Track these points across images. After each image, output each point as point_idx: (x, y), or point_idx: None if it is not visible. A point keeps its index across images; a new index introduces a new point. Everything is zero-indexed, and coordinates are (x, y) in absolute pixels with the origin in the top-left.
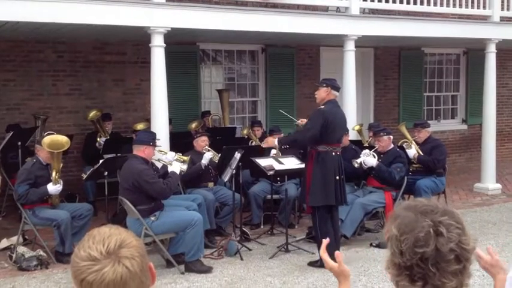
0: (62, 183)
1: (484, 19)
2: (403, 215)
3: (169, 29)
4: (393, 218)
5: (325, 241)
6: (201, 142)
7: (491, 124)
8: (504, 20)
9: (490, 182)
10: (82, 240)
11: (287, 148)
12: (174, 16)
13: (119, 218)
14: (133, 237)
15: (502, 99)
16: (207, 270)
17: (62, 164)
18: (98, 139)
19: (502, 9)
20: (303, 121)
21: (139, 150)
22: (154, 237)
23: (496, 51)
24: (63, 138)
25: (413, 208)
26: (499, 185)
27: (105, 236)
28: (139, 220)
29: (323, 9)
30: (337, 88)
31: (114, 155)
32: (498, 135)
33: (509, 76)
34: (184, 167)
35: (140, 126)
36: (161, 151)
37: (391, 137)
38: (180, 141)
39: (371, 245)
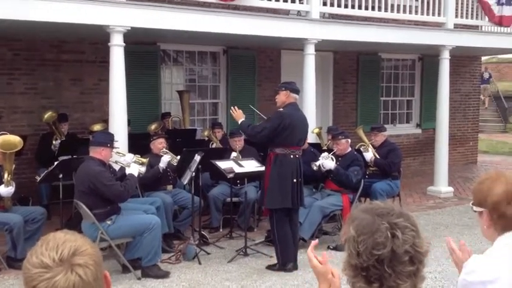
0: (14, 185)
1: (438, 26)
2: (360, 217)
3: (129, 28)
4: (351, 220)
5: (314, 242)
6: (158, 144)
7: (444, 129)
8: (458, 27)
9: (442, 185)
10: (35, 246)
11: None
12: (134, 15)
13: (73, 222)
14: (88, 245)
15: (454, 105)
16: (164, 275)
17: (14, 166)
18: (54, 142)
19: (456, 16)
20: (235, 110)
21: (96, 152)
22: (110, 241)
23: (449, 57)
24: (15, 139)
25: (371, 210)
26: (451, 188)
27: (59, 243)
28: (94, 224)
29: (284, 13)
30: (296, 91)
31: (70, 156)
32: (450, 140)
33: (462, 82)
34: (143, 169)
35: (97, 127)
36: (119, 153)
37: (349, 140)
38: (139, 143)
39: (328, 247)
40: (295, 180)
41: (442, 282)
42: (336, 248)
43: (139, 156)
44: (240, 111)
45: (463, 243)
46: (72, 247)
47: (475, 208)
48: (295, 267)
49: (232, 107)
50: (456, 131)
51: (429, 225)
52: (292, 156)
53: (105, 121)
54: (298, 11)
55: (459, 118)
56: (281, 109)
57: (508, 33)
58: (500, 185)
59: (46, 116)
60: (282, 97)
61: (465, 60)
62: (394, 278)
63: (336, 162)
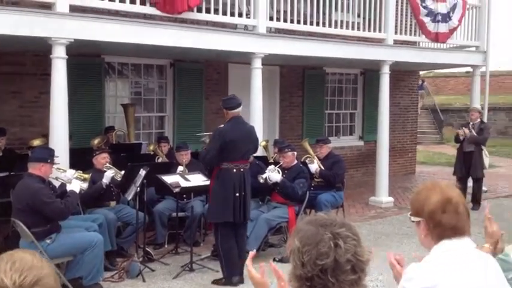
0: None
1: (379, 42)
2: (305, 229)
3: (72, 40)
4: (296, 232)
5: (252, 253)
6: (101, 159)
7: (385, 141)
8: (397, 43)
9: (383, 196)
10: (1, 262)
11: None
12: (77, 27)
13: (11, 241)
14: (53, 277)
15: (394, 117)
16: None
17: None
18: None
19: (396, 33)
20: None
21: (35, 168)
22: (50, 261)
23: (389, 72)
24: None
25: (314, 222)
26: (391, 198)
27: (25, 267)
28: (33, 243)
29: (231, 27)
30: (231, 107)
31: (7, 173)
32: (391, 151)
33: (401, 96)
34: (85, 185)
35: (36, 142)
36: (59, 169)
37: (295, 153)
38: (82, 158)
39: (274, 259)
40: (237, 194)
41: None
42: (281, 260)
43: (81, 172)
44: None
45: (399, 257)
46: (36, 276)
47: (412, 218)
48: (241, 281)
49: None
50: (396, 143)
51: (371, 234)
52: (235, 170)
53: (45, 136)
54: (245, 26)
55: (399, 130)
56: (221, 126)
57: (444, 49)
58: (435, 194)
59: None
60: (224, 115)
61: (404, 75)
62: (337, 286)
63: (282, 175)
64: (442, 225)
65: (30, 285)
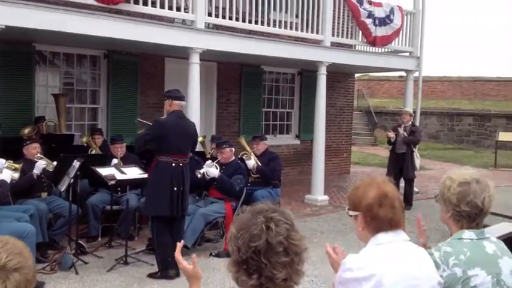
0: None
1: (317, 43)
2: (241, 216)
3: (4, 26)
4: (234, 221)
5: (180, 244)
6: (32, 149)
7: (321, 140)
8: (334, 45)
9: (319, 194)
10: None
11: None
12: (7, 13)
13: None
14: (32, 271)
15: (330, 118)
16: (39, 285)
17: None
18: None
19: (333, 35)
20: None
21: None
22: None
23: (326, 73)
24: None
25: (251, 210)
26: (326, 197)
27: (14, 251)
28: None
29: (169, 21)
30: (178, 98)
31: None
32: (326, 151)
33: (337, 97)
34: (16, 175)
35: None
36: None
37: (233, 149)
38: (11, 148)
39: (211, 254)
40: (175, 188)
41: (318, 285)
42: (218, 255)
43: (11, 161)
44: None
45: (336, 246)
46: (20, 263)
47: (350, 212)
48: (177, 275)
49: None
50: (331, 143)
51: (306, 231)
52: (174, 164)
53: None
54: (183, 20)
55: (334, 131)
56: (161, 117)
57: (379, 53)
58: (373, 189)
59: None
60: (166, 106)
61: (340, 77)
62: (270, 268)
63: (220, 171)
64: (378, 218)
65: (12, 268)
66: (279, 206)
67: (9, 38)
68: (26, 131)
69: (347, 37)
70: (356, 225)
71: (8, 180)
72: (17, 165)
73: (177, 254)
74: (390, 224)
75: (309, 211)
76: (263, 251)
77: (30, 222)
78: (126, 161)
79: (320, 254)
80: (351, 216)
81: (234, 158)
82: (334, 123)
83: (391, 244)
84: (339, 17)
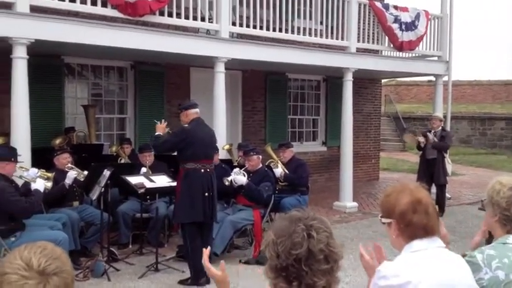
0: None
1: (342, 49)
2: (279, 223)
3: (33, 40)
4: (271, 227)
5: (206, 251)
6: (63, 160)
7: (348, 147)
8: (360, 51)
9: (347, 201)
10: (35, 243)
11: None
12: (38, 27)
13: None
14: (71, 276)
15: (357, 124)
16: None
17: None
18: None
19: (358, 41)
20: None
21: None
22: None
23: (352, 79)
24: None
25: (288, 217)
26: (355, 204)
27: (53, 255)
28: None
29: (193, 31)
30: (191, 106)
31: None
32: (354, 157)
33: (364, 103)
34: (49, 184)
35: None
36: (22, 167)
37: (260, 156)
38: (42, 158)
39: (240, 261)
40: (206, 194)
41: None
42: (247, 262)
43: (44, 170)
44: (163, 125)
45: (377, 245)
46: (59, 268)
47: (383, 220)
48: (207, 282)
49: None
50: (359, 149)
51: (336, 238)
52: (203, 170)
53: (6, 134)
54: (208, 30)
55: (362, 137)
56: (186, 125)
57: (405, 58)
58: (405, 196)
59: None
60: (183, 118)
61: (367, 82)
62: (311, 275)
63: (248, 178)
64: (413, 224)
65: (52, 273)
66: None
67: (39, 51)
68: (57, 141)
69: (373, 42)
70: (390, 232)
71: (41, 190)
72: (49, 175)
73: (205, 261)
74: (425, 231)
75: (337, 218)
76: (304, 259)
77: (62, 230)
78: (154, 169)
79: (351, 260)
80: (383, 223)
81: (261, 165)
82: (362, 129)
83: (426, 251)
84: (364, 23)
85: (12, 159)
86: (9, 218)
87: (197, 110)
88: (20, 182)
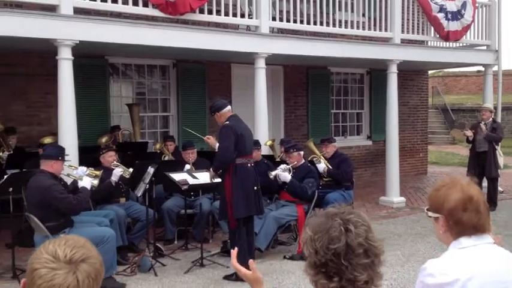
0: None
1: (385, 41)
2: (315, 220)
3: (77, 41)
4: (308, 224)
5: (234, 251)
6: (108, 158)
7: (394, 140)
8: (404, 42)
9: (394, 196)
10: (58, 238)
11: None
12: (82, 29)
13: (24, 236)
14: (99, 261)
15: (403, 117)
16: (120, 287)
17: None
18: (1, 154)
19: (403, 31)
20: (209, 138)
21: (47, 165)
22: None
23: (397, 71)
24: None
25: (324, 213)
26: (403, 198)
27: (77, 245)
28: (48, 237)
29: (233, 27)
30: (223, 105)
31: (18, 170)
32: (401, 151)
33: (410, 95)
34: (96, 182)
35: (48, 140)
36: (71, 166)
37: (302, 152)
38: (89, 156)
39: (284, 257)
40: (255, 187)
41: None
42: (292, 258)
43: (92, 169)
44: (211, 137)
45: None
46: (85, 254)
47: (430, 214)
48: None
49: (207, 136)
50: (406, 143)
51: (382, 234)
52: (249, 165)
53: (54, 134)
54: (248, 26)
55: (408, 130)
56: (226, 122)
57: (452, 48)
58: (456, 192)
59: None
60: (218, 118)
61: (412, 74)
62: (351, 270)
63: (291, 174)
64: (462, 223)
65: (79, 260)
66: (352, 208)
67: (84, 52)
68: (104, 139)
69: (418, 33)
70: (437, 227)
71: (88, 187)
72: (97, 173)
73: (233, 261)
74: (475, 229)
75: (384, 213)
76: (343, 254)
77: (110, 226)
78: (197, 166)
79: (399, 256)
80: (430, 217)
81: (303, 161)
82: (408, 122)
83: (475, 247)
84: (408, 13)
85: (60, 158)
86: (59, 214)
87: (229, 107)
88: (68, 181)
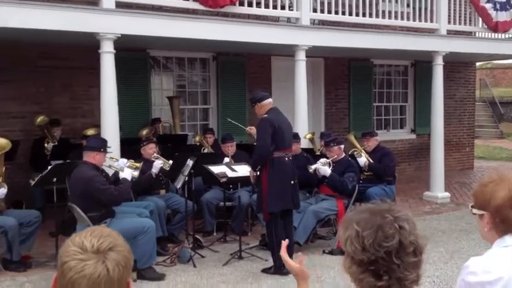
0: (6, 186)
1: (431, 32)
2: (360, 215)
3: (119, 35)
4: (347, 221)
5: (285, 242)
6: (149, 150)
7: (439, 134)
8: (451, 33)
9: (439, 191)
10: (83, 230)
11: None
12: (123, 22)
13: (67, 225)
14: (127, 248)
15: (449, 110)
16: (160, 277)
17: (4, 168)
18: (46, 145)
19: (449, 22)
20: (251, 128)
21: (89, 157)
22: None
23: (443, 63)
24: (3, 141)
25: (368, 209)
26: (447, 194)
27: (103, 234)
28: (90, 227)
29: (274, 20)
30: (264, 97)
31: (62, 161)
32: (446, 145)
33: (456, 88)
34: (136, 173)
35: (91, 131)
36: (112, 158)
37: (342, 146)
38: (130, 148)
39: (324, 251)
40: (292, 181)
41: (440, 286)
42: (331, 253)
43: (132, 161)
44: (253, 128)
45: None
46: (112, 243)
47: (474, 211)
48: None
49: (249, 127)
50: (452, 137)
51: (426, 230)
52: (286, 158)
53: (97, 126)
54: (288, 18)
55: (454, 124)
56: (265, 115)
57: (501, 39)
58: (504, 189)
59: (38, 119)
60: (257, 110)
61: (459, 66)
62: (402, 269)
63: (330, 168)
64: (509, 220)
65: (106, 249)
66: (395, 204)
67: (126, 45)
68: (145, 132)
69: (465, 24)
70: (481, 224)
71: (129, 178)
72: (138, 165)
73: (283, 253)
74: None
75: (428, 209)
76: (395, 251)
77: (150, 217)
78: (236, 158)
79: (442, 253)
80: (474, 214)
81: (343, 155)
82: (454, 115)
83: None
84: (454, 3)
85: (102, 150)
86: (101, 205)
87: (270, 100)
88: (110, 172)
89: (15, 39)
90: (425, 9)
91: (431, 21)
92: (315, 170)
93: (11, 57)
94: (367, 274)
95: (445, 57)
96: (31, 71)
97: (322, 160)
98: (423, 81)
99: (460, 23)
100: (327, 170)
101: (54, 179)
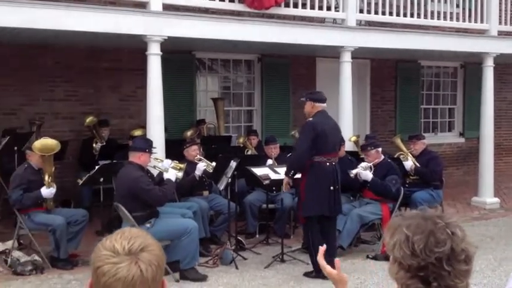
0: (55, 186)
1: (481, 33)
2: (409, 220)
3: (166, 37)
4: (396, 226)
5: (322, 248)
6: (192, 151)
7: (489, 138)
8: (502, 34)
9: (487, 196)
10: (113, 234)
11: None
12: (170, 25)
13: (113, 225)
14: (157, 247)
15: (500, 113)
16: (202, 278)
17: (54, 168)
18: (94, 145)
19: (500, 23)
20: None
21: (135, 157)
22: None
23: (493, 65)
24: (53, 142)
25: (417, 215)
26: (497, 199)
27: (133, 235)
28: (134, 227)
29: (319, 21)
30: (320, 100)
31: (110, 161)
32: (496, 149)
33: (508, 90)
34: (180, 174)
35: (138, 132)
36: (157, 158)
37: (379, 149)
38: (175, 149)
39: (367, 256)
40: (332, 187)
41: None
42: (375, 258)
43: (177, 162)
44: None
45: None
46: (143, 243)
47: None
48: None
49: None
50: (502, 141)
51: (474, 236)
52: (328, 163)
53: (144, 127)
54: (334, 19)
55: (505, 127)
56: (310, 119)
57: None
58: None
59: (88, 120)
60: (307, 108)
61: (511, 68)
62: (453, 277)
63: (371, 172)
64: None
65: (138, 250)
66: (442, 210)
67: (172, 47)
68: (189, 133)
69: None
70: None
71: (173, 179)
72: (181, 165)
73: (320, 258)
74: None
75: (476, 214)
76: (445, 258)
77: (193, 218)
78: (279, 161)
79: (490, 261)
80: None
81: (383, 157)
82: (505, 118)
83: None
84: (506, 4)
85: (147, 150)
86: (145, 205)
87: (324, 104)
88: (154, 172)
89: (64, 41)
90: (475, 9)
91: (482, 21)
92: (356, 175)
93: (60, 59)
94: (416, 280)
95: (496, 58)
96: (80, 73)
97: (363, 164)
98: (473, 83)
99: (511, 24)
100: (368, 175)
101: (101, 179)
